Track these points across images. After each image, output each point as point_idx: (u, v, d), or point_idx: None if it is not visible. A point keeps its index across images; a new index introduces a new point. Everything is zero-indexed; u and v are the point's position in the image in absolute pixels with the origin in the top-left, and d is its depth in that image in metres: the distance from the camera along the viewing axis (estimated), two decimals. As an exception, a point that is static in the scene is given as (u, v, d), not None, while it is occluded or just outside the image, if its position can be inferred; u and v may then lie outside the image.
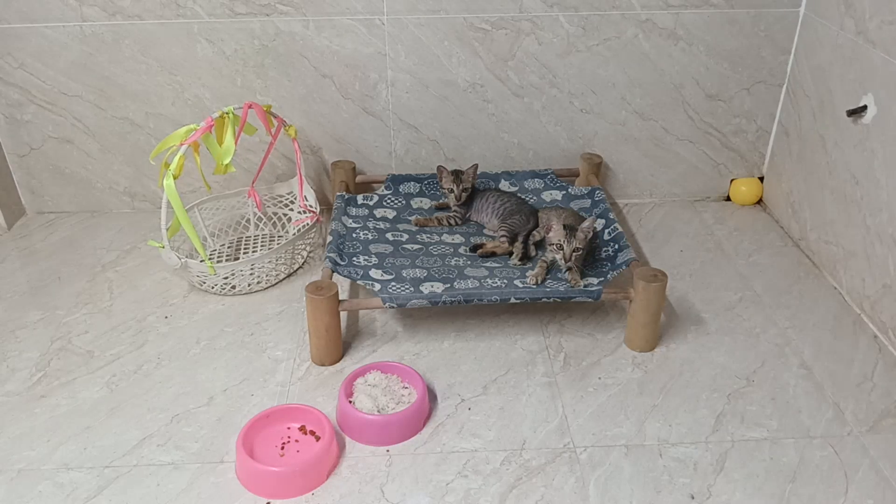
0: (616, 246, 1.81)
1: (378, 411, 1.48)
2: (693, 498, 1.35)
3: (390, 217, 2.03)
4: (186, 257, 1.81)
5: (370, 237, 1.91)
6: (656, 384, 1.61)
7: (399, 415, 1.47)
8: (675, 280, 1.93)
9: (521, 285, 1.69)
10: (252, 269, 1.87)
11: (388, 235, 1.93)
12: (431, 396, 1.58)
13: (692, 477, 1.39)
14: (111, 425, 1.51)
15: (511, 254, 1.86)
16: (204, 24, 2.01)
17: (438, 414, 1.54)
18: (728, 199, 2.33)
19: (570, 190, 2.11)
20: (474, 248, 1.89)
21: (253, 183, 2.07)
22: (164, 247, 1.77)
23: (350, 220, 1.97)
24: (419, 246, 1.90)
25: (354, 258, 1.80)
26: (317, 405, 1.52)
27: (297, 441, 1.45)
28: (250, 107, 1.83)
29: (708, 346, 1.72)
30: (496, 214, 1.97)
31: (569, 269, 1.74)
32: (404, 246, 1.90)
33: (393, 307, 1.69)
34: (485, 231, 2.01)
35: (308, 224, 1.96)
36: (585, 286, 1.69)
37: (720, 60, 2.12)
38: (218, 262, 1.99)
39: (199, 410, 1.55)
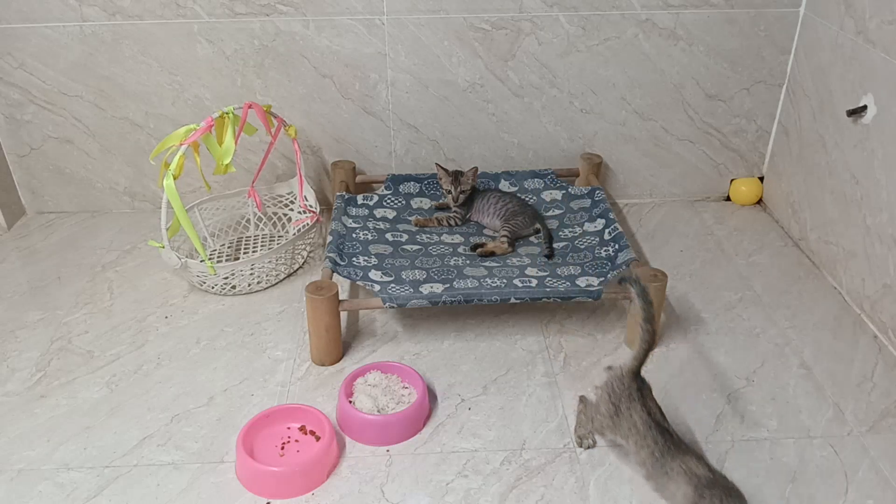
0: (616, 246, 1.81)
1: (378, 411, 1.48)
2: (693, 498, 1.35)
3: (390, 217, 2.03)
4: (186, 257, 1.81)
5: (370, 237, 1.91)
6: (656, 384, 1.60)
7: (399, 415, 1.47)
8: (675, 280, 1.93)
9: (520, 285, 1.69)
10: (252, 269, 1.87)
11: (388, 236, 1.93)
12: (431, 396, 1.58)
13: (692, 477, 1.39)
14: (111, 425, 1.51)
15: (510, 253, 1.87)
16: (204, 24, 2.01)
17: (438, 414, 1.54)
18: (728, 199, 2.33)
19: (570, 190, 2.11)
20: (474, 248, 1.89)
21: (253, 183, 2.07)
22: (164, 247, 1.77)
23: (350, 221, 1.97)
24: (419, 246, 1.90)
25: (354, 258, 1.80)
26: (317, 405, 1.52)
27: (297, 441, 1.45)
28: (250, 107, 1.83)
29: (708, 346, 1.72)
30: (498, 215, 1.97)
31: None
32: (404, 247, 1.90)
33: (393, 307, 1.69)
34: (484, 231, 2.01)
35: (308, 224, 1.96)
36: (586, 286, 1.69)
37: (720, 60, 2.12)
38: (218, 262, 1.99)
39: (199, 410, 1.55)
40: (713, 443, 1.47)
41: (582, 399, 1.46)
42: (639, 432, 1.25)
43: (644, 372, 1.63)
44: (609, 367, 1.48)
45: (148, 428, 1.51)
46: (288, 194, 2.15)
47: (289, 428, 1.47)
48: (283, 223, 2.14)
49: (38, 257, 2.07)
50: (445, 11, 2.02)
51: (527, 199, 2.08)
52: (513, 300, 1.64)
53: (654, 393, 1.32)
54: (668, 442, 1.23)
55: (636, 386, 1.29)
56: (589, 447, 1.45)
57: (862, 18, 1.77)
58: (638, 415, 1.26)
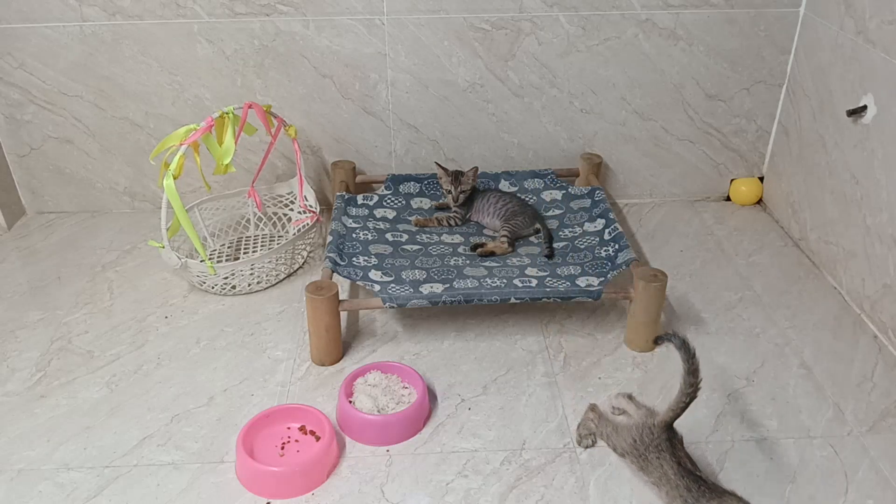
0: (616, 246, 1.81)
1: (378, 411, 1.48)
2: (693, 498, 1.35)
3: (390, 217, 2.03)
4: (186, 257, 1.81)
5: (370, 237, 1.91)
6: (656, 384, 1.61)
7: (399, 415, 1.47)
8: (675, 280, 1.93)
9: (520, 285, 1.69)
10: (252, 269, 1.87)
11: (388, 236, 1.93)
12: (431, 396, 1.58)
13: (692, 477, 1.39)
14: (111, 425, 1.51)
15: (510, 253, 1.87)
16: (204, 24, 2.01)
17: (438, 414, 1.54)
18: (728, 199, 2.33)
19: (570, 190, 2.11)
20: (474, 248, 1.89)
21: (253, 183, 2.07)
22: (164, 247, 1.77)
23: (350, 221, 1.97)
24: (419, 246, 1.90)
25: (354, 258, 1.80)
26: (317, 405, 1.52)
27: (297, 441, 1.45)
28: (250, 107, 1.83)
29: (708, 346, 1.72)
30: (498, 215, 1.97)
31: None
32: (404, 247, 1.90)
33: (393, 307, 1.69)
34: (484, 231, 2.01)
35: (308, 224, 1.96)
36: (586, 286, 1.69)
37: (720, 60, 2.12)
38: (218, 262, 1.99)
39: (199, 410, 1.55)
40: (713, 443, 1.47)
41: (594, 409, 1.45)
42: (670, 481, 1.23)
43: (645, 372, 1.64)
44: (630, 397, 1.46)
45: (148, 428, 1.51)
46: (288, 194, 2.15)
47: (289, 428, 1.47)
48: (283, 223, 2.14)
49: (38, 257, 2.07)
50: (445, 11, 2.02)
51: (527, 199, 2.08)
52: (513, 300, 1.64)
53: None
54: (701, 487, 1.21)
55: (666, 437, 1.26)
56: (588, 447, 1.45)
57: (862, 18, 1.77)
58: (668, 465, 1.24)
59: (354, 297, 1.89)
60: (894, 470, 1.41)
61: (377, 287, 1.69)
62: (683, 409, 1.25)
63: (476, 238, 1.96)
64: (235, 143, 1.81)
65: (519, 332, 1.77)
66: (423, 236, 1.96)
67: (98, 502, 1.35)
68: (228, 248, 2.08)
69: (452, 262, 1.82)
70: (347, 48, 2.06)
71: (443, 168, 2.02)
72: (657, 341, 1.32)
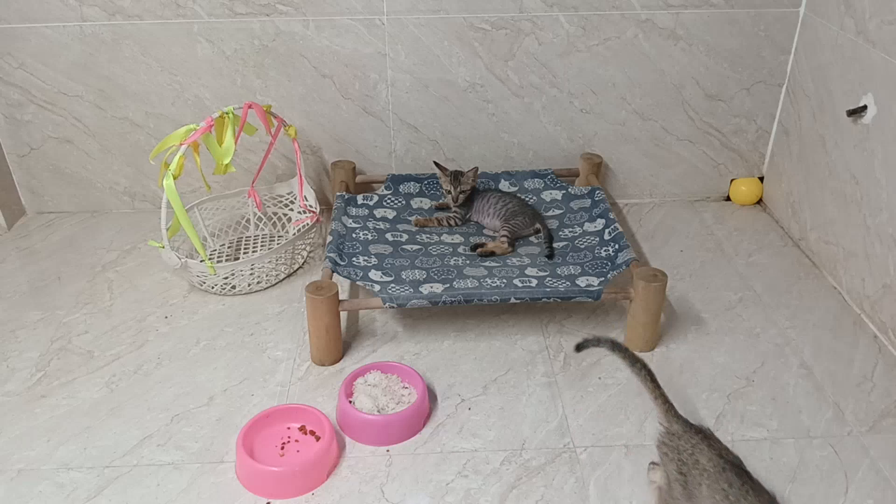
0: (616, 246, 1.81)
1: (378, 411, 1.48)
2: (693, 498, 1.35)
3: (390, 217, 2.03)
4: (186, 257, 1.81)
5: (370, 237, 1.91)
6: (656, 384, 1.61)
7: (399, 415, 1.47)
8: (675, 280, 1.93)
9: (520, 285, 1.69)
10: (252, 269, 1.87)
11: (388, 236, 1.93)
12: (431, 396, 1.58)
13: (692, 477, 1.39)
14: (111, 425, 1.51)
15: (510, 253, 1.87)
16: (204, 24, 2.01)
17: (438, 414, 1.54)
18: (728, 199, 2.33)
19: (570, 190, 2.11)
20: (474, 248, 1.89)
21: (253, 183, 2.07)
22: (164, 247, 1.77)
23: (350, 220, 1.97)
24: (419, 246, 1.90)
25: (354, 258, 1.80)
26: (317, 405, 1.52)
27: (297, 441, 1.45)
28: (250, 107, 1.83)
29: (708, 346, 1.72)
30: (498, 216, 1.97)
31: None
32: (404, 247, 1.90)
33: (393, 307, 1.69)
34: (484, 231, 2.01)
35: (308, 224, 1.96)
36: (586, 286, 1.69)
37: (720, 60, 2.12)
38: (218, 262, 1.99)
39: (199, 410, 1.55)
40: (713, 443, 1.47)
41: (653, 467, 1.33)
42: (710, 476, 1.13)
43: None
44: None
45: (148, 428, 1.51)
46: (288, 194, 2.15)
47: (289, 428, 1.48)
48: (283, 223, 2.14)
49: (38, 257, 2.07)
50: (445, 11, 2.02)
51: (527, 199, 2.08)
52: (513, 300, 1.64)
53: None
54: (745, 485, 1.10)
55: (694, 430, 1.19)
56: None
57: (862, 18, 1.77)
58: (705, 457, 1.15)
59: (354, 297, 1.89)
60: (894, 470, 1.41)
61: (377, 287, 1.69)
62: (659, 390, 1.26)
63: (476, 238, 1.96)
64: (235, 143, 1.81)
65: (519, 332, 1.77)
66: (423, 236, 1.96)
67: (98, 502, 1.35)
68: (228, 248, 2.08)
69: (452, 262, 1.82)
70: (347, 48, 2.06)
71: (442, 168, 2.02)
72: (578, 348, 1.35)
